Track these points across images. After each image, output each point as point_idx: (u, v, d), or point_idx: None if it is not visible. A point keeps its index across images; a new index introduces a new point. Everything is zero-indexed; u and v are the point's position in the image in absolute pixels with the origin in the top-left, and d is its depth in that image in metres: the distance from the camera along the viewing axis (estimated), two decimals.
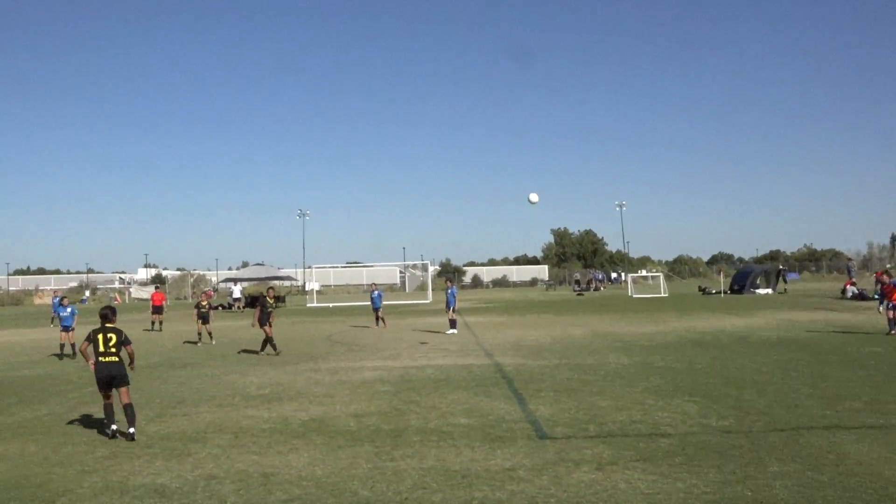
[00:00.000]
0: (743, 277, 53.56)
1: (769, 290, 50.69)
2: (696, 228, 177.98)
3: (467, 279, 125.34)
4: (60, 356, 20.44)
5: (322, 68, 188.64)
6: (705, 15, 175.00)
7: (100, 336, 10.23)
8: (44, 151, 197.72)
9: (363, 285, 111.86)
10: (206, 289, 71.80)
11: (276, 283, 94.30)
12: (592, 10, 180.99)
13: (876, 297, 29.25)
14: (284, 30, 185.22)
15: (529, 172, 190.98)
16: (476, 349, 19.44)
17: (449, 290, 24.71)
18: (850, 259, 65.83)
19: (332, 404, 11.69)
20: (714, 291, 53.53)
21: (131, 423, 9.74)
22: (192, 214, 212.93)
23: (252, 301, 50.96)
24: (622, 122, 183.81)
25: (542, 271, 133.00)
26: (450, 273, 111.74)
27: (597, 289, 75.51)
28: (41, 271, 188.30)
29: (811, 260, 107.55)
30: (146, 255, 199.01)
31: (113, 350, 10.17)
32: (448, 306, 24.59)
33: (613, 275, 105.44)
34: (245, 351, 20.64)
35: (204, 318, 24.01)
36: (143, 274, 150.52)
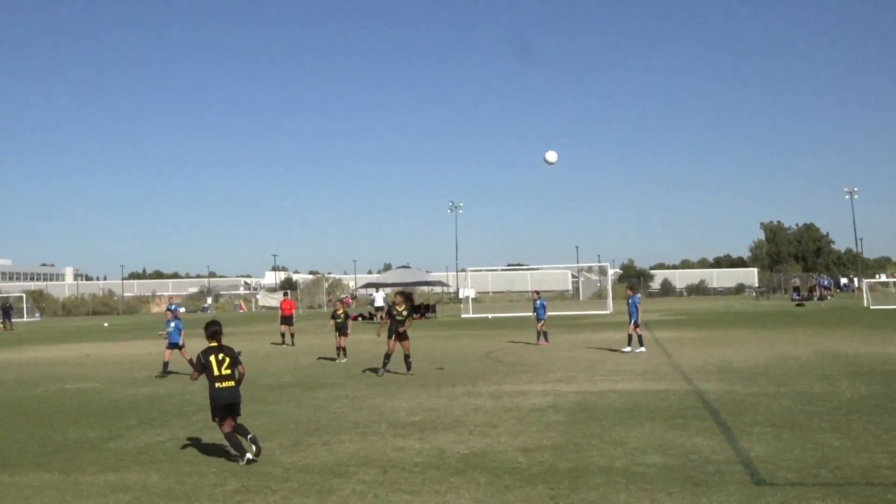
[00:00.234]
0: None
1: None
2: None
3: (655, 285, 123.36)
4: (163, 374, 21.43)
5: (477, 55, 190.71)
6: None
7: (212, 358, 10.70)
8: (161, 147, 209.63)
9: (527, 292, 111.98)
10: (343, 295, 73.96)
11: (423, 289, 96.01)
12: None
13: None
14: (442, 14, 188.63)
15: (730, 153, 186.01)
16: (670, 371, 19.11)
17: (630, 300, 24.51)
18: None
19: (496, 435, 11.76)
20: None
21: (244, 436, 10.40)
22: (326, 211, 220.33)
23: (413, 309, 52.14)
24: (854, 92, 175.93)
25: (751, 275, 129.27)
26: (633, 278, 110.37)
27: (821, 297, 72.87)
28: (158, 275, 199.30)
29: None
30: (275, 256, 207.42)
31: (228, 373, 10.66)
32: (630, 319, 24.33)
33: (843, 280, 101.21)
34: (370, 369, 21.04)
35: (341, 330, 24.66)
36: (272, 278, 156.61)
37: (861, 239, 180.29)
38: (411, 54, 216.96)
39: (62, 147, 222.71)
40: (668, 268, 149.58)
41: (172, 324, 22.06)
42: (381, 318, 52.07)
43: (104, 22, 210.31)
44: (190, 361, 20.66)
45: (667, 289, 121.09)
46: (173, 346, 21.82)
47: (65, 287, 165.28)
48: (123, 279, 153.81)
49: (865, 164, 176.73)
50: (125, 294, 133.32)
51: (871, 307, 51.16)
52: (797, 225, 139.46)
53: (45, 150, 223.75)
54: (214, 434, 12.52)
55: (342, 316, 24.92)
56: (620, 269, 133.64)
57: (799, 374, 17.97)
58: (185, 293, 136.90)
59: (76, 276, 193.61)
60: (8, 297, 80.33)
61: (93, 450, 11.67)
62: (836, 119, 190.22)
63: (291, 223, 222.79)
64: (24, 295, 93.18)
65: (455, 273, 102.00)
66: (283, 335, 32.43)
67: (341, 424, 13.15)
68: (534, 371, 20.14)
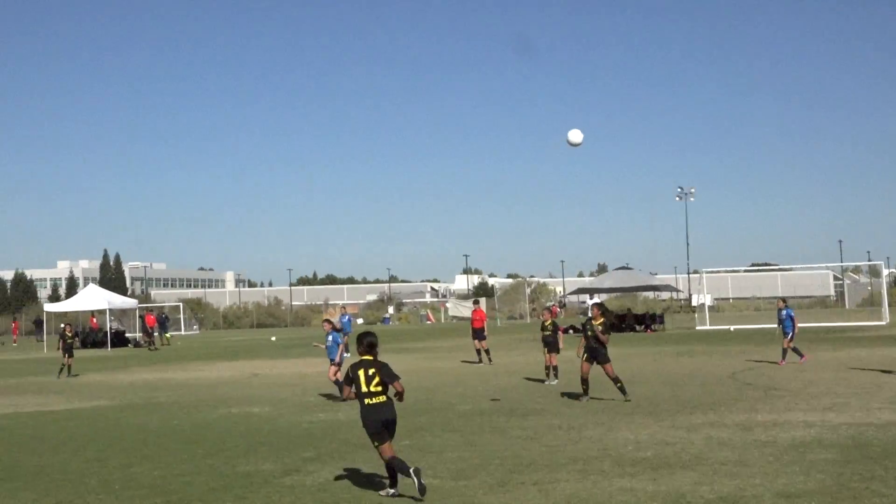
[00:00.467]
0: None
1: None
2: None
3: None
4: (333, 396, 21.96)
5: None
6: None
7: (360, 372, 11.17)
8: (335, 136, 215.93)
9: (776, 298, 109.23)
10: (550, 303, 74.12)
11: (647, 295, 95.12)
12: None
13: None
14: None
15: None
16: None
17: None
18: None
19: (749, 476, 11.53)
20: None
21: (404, 471, 10.81)
22: (526, 203, 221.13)
23: (617, 320, 51.80)
24: None
25: None
26: None
27: None
28: (330, 280, 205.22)
29: None
30: (466, 257, 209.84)
31: (378, 389, 11.13)
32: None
33: None
34: (568, 394, 20.92)
35: (550, 346, 24.68)
36: (463, 282, 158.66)
37: None
38: None
39: (223, 141, 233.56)
40: None
41: (330, 337, 22.51)
42: None
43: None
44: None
45: None
46: (332, 362, 22.24)
47: (225, 295, 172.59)
48: (291, 285, 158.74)
49: None
50: (293, 303, 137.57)
51: None
52: None
53: (205, 144, 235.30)
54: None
55: (550, 328, 24.97)
56: None
57: None
58: (361, 301, 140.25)
59: (237, 283, 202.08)
60: (163, 308, 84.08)
61: (266, 485, 12.11)
62: None
63: (485, 218, 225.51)
64: (180, 304, 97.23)
65: (686, 275, 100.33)
66: (478, 352, 32.76)
67: (555, 460, 13.17)
68: (793, 396, 19.67)
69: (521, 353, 36.69)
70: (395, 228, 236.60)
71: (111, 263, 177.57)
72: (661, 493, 10.82)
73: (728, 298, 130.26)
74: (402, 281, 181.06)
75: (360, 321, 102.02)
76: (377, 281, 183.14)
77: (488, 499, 10.89)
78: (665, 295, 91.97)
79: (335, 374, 21.94)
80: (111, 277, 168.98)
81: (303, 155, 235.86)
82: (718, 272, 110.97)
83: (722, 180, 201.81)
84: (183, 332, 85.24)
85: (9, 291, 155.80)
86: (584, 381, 20.27)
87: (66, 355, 33.17)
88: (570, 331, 54.19)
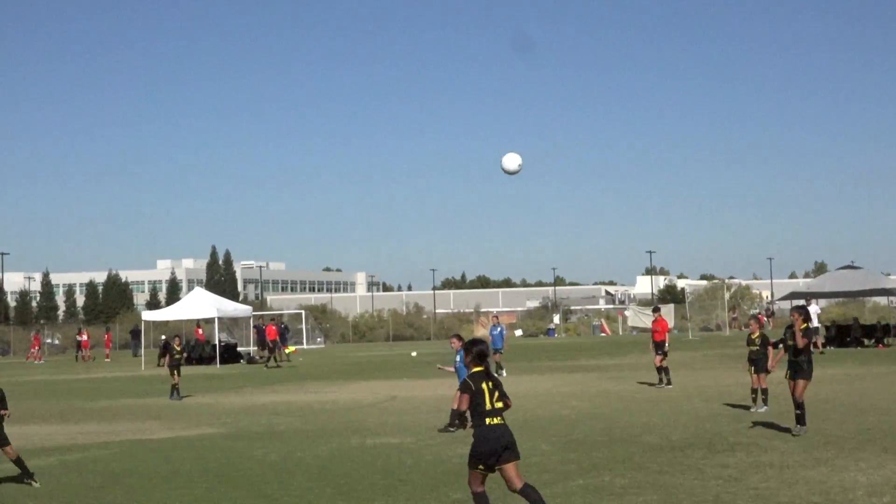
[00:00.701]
0: None
1: None
2: None
3: None
4: (457, 424, 21.90)
5: None
6: None
7: (484, 385, 11.09)
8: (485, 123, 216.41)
9: None
10: (756, 311, 73.11)
11: (878, 300, 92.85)
12: None
13: None
14: None
15: None
16: None
17: None
18: None
19: None
20: None
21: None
22: (717, 192, 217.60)
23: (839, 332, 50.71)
24: None
25: None
26: None
27: None
28: (482, 283, 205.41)
29: None
30: (650, 254, 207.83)
31: (500, 406, 11.10)
32: None
33: None
34: (761, 424, 20.53)
35: (755, 364, 24.28)
36: (645, 285, 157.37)
37: None
38: None
39: (349, 128, 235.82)
40: None
41: (458, 357, 22.41)
42: (818, 344, 50.83)
43: None
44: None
45: None
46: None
47: (355, 300, 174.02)
48: (435, 289, 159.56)
49: None
50: (437, 310, 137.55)
51: None
52: None
53: (329, 132, 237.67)
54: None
55: (758, 342, 24.56)
56: None
57: None
58: (520, 309, 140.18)
59: (370, 286, 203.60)
60: (283, 316, 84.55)
61: None
62: None
63: (672, 210, 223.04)
64: (302, 312, 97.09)
65: None
66: (658, 370, 32.37)
67: None
68: None
69: (724, 369, 36.20)
70: (563, 220, 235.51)
71: (220, 263, 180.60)
72: None
73: None
74: (571, 284, 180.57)
75: (518, 333, 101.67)
76: (539, 284, 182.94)
77: None
78: None
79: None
80: (220, 280, 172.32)
81: (448, 136, 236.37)
82: None
83: None
84: (305, 346, 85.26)
85: (101, 297, 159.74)
86: (798, 406, 19.85)
87: (175, 373, 33.49)
88: (780, 345, 53.35)
